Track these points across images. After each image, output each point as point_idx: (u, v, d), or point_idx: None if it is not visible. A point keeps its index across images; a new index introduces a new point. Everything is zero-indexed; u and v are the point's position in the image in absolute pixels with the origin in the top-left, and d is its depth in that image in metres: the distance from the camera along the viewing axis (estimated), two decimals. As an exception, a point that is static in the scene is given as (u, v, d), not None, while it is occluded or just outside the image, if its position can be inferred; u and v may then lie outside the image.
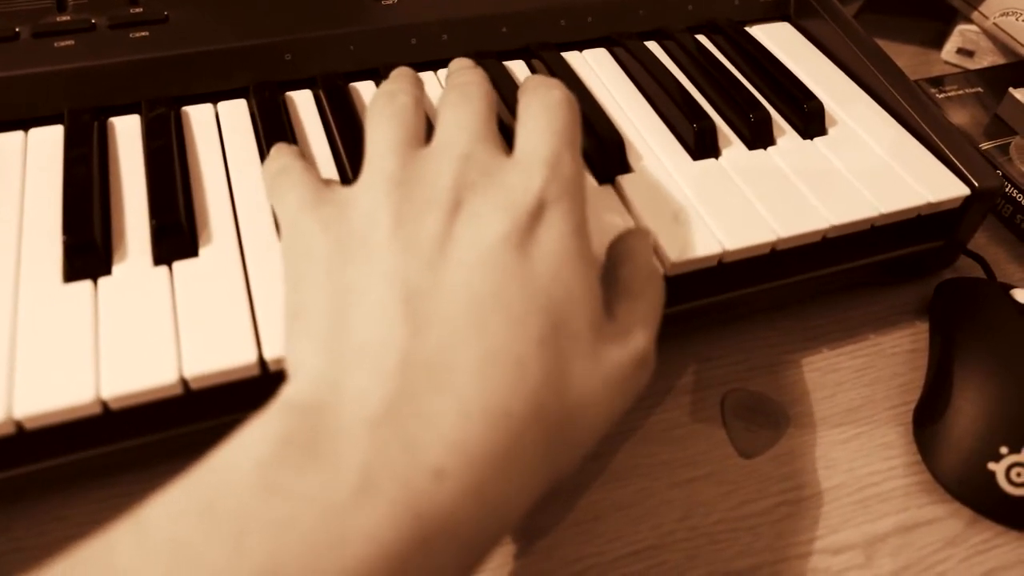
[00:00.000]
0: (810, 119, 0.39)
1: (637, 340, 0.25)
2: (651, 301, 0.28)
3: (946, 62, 0.59)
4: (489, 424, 0.21)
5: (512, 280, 0.23)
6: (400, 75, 0.31)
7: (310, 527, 0.18)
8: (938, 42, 0.60)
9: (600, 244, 0.30)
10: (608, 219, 0.34)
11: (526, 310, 0.22)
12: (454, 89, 0.29)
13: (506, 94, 0.38)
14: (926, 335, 0.39)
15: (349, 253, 0.24)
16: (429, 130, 0.29)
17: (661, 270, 0.32)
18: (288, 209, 0.28)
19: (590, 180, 0.35)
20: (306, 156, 0.35)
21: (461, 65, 0.32)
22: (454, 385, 0.21)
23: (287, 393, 0.22)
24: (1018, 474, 0.32)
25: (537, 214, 0.24)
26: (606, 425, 0.25)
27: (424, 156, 0.26)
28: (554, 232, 0.24)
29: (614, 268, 0.28)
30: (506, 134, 0.36)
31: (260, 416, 0.21)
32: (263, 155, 0.35)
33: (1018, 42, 0.53)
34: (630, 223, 0.34)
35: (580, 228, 0.25)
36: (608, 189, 0.35)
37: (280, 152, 0.32)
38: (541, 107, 0.27)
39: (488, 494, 0.20)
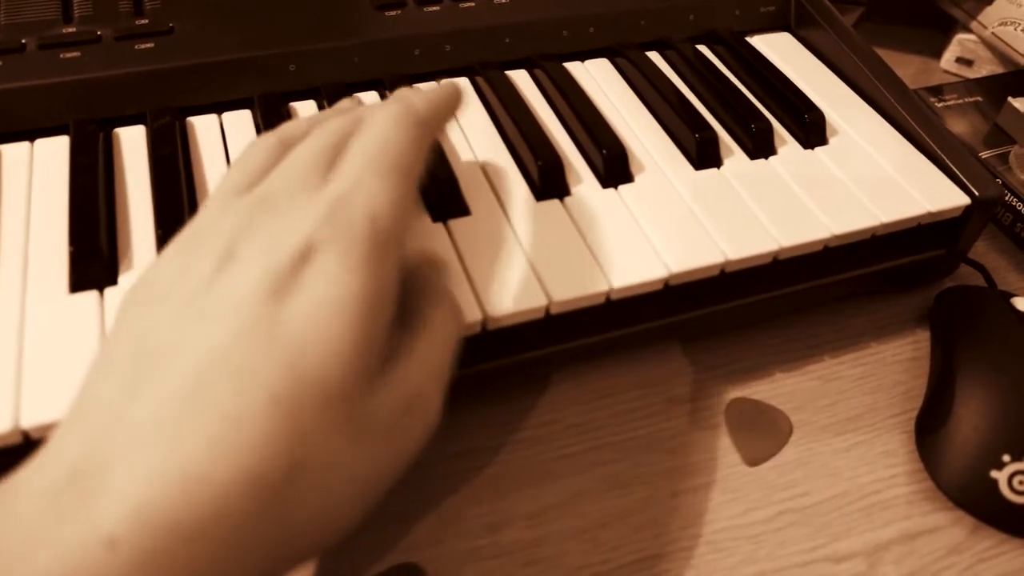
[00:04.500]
0: (811, 129, 0.39)
1: (407, 384, 0.23)
2: (434, 337, 0.24)
3: (945, 71, 0.59)
4: (179, 490, 0.18)
5: (252, 333, 0.20)
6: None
7: None
8: (937, 51, 0.60)
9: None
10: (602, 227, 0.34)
11: (260, 365, 0.20)
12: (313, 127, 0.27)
13: (509, 105, 0.38)
14: (927, 343, 0.39)
15: (152, 306, 0.23)
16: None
17: (454, 300, 0.27)
18: None
19: (590, 189, 0.36)
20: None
21: (337, 110, 0.30)
22: (148, 447, 0.19)
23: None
24: (1020, 482, 0.32)
25: (303, 258, 0.22)
26: (368, 486, 0.22)
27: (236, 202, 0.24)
28: (320, 277, 0.21)
29: (404, 301, 0.25)
30: (501, 155, 0.36)
31: None
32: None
33: (1016, 51, 0.53)
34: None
35: (359, 269, 0.22)
36: (604, 197, 0.35)
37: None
38: (365, 128, 0.25)
39: (179, 565, 0.18)
